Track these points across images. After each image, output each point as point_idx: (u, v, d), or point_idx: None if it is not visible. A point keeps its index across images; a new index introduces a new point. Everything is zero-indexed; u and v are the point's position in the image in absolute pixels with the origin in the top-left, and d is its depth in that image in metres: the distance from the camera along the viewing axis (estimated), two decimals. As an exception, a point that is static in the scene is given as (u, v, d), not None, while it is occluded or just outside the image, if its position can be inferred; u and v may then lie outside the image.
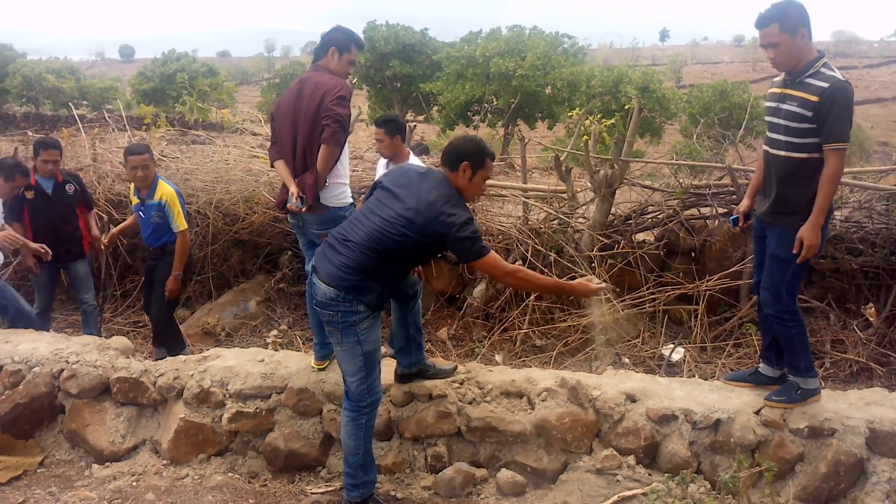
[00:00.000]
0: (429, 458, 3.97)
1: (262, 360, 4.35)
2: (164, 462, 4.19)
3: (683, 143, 28.46)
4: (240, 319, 6.49)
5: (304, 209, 3.88)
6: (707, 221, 6.09)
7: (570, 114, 6.43)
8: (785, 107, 3.45)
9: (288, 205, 3.91)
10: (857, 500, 3.51)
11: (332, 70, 4.01)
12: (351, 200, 4.14)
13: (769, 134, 3.60)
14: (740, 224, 3.94)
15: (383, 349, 4.21)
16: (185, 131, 8.14)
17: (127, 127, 7.69)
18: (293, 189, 3.89)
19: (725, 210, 5.97)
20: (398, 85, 30.13)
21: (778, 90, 3.55)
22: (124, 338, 4.79)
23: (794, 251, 3.43)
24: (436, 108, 30.13)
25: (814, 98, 3.31)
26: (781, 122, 3.48)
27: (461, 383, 4.09)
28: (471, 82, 25.55)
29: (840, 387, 5.08)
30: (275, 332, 6.45)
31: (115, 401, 4.39)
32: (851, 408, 3.70)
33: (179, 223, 5.03)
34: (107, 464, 4.20)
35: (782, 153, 3.49)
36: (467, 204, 3.44)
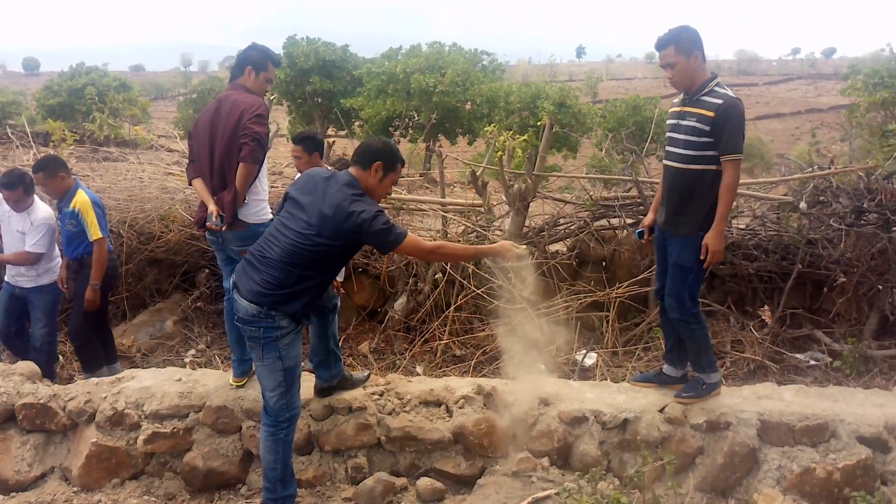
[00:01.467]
0: (349, 470, 4.02)
1: (180, 380, 4.31)
2: (75, 489, 4.09)
3: (598, 156, 29.47)
4: (156, 340, 6.36)
5: (223, 227, 3.89)
6: (616, 231, 6.37)
7: (486, 129, 6.61)
8: (685, 123, 3.72)
9: (207, 223, 3.93)
10: (751, 487, 3.77)
11: (249, 88, 4.05)
12: (270, 216, 4.17)
13: (669, 148, 3.87)
14: (645, 237, 4.17)
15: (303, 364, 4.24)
16: (97, 148, 7.92)
17: (32, 143, 7.42)
18: (212, 207, 3.91)
19: (633, 220, 6.27)
20: (319, 100, 29.98)
21: (678, 108, 3.83)
22: (31, 363, 4.63)
23: (702, 257, 3.67)
24: (357, 123, 30.13)
25: (710, 114, 3.60)
26: (681, 136, 3.75)
27: (381, 395, 4.17)
28: (392, 98, 25.70)
29: (739, 384, 5.40)
30: (193, 351, 6.35)
31: (21, 428, 4.26)
32: (745, 402, 3.97)
33: (93, 231, 4.86)
34: (12, 494, 4.06)
35: (682, 166, 3.76)
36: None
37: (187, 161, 4.36)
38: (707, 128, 3.62)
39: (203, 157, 4.04)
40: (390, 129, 26.72)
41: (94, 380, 4.40)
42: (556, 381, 4.38)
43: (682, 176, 3.77)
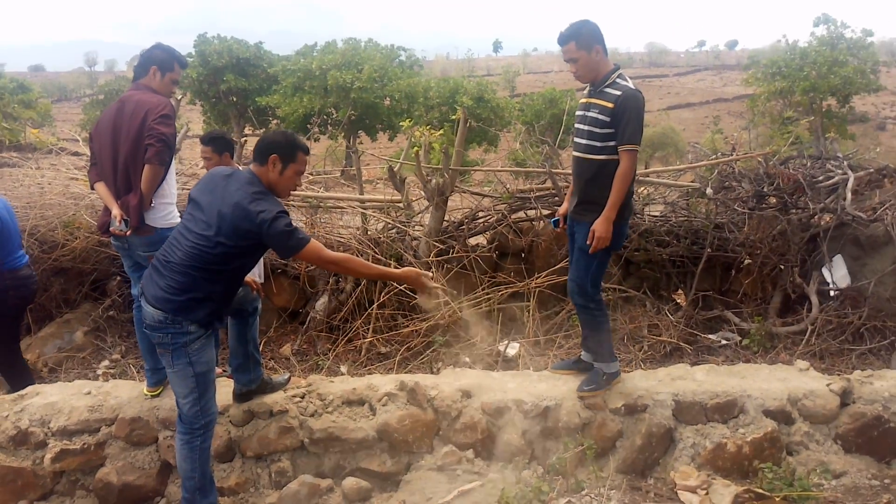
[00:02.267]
0: (273, 475, 3.95)
1: (89, 393, 4.13)
2: (-21, 514, 3.85)
3: (517, 150, 29.93)
4: (65, 353, 6.06)
5: (128, 232, 3.75)
6: (533, 223, 6.47)
7: (401, 124, 6.60)
8: (590, 114, 3.81)
9: (111, 228, 3.78)
10: (669, 466, 3.90)
11: (154, 89, 3.91)
12: (178, 220, 4.03)
13: (576, 139, 3.96)
14: (561, 225, 4.25)
15: (219, 370, 4.14)
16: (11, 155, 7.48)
17: (-81, 151, 6.94)
18: (115, 211, 3.77)
19: (549, 212, 6.37)
20: (234, 99, 29.34)
21: (584, 100, 3.93)
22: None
23: (588, 242, 3.76)
24: (274, 122, 29.58)
25: (609, 105, 3.71)
26: (586, 128, 3.84)
27: (302, 397, 4.10)
28: (309, 95, 25.40)
29: (656, 367, 5.59)
30: (106, 362, 6.08)
31: (-83, 453, 3.98)
32: (660, 384, 4.11)
33: None
34: None
35: (587, 156, 3.86)
36: (280, 200, 3.38)
37: (89, 164, 4.17)
38: (607, 119, 3.72)
39: (106, 160, 3.88)
40: (308, 126, 26.37)
41: (-6, 398, 4.16)
42: (478, 372, 4.42)
43: (587, 165, 3.87)
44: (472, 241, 6.51)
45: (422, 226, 6.47)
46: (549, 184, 6.50)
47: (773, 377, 4.16)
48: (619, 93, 3.71)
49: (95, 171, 4.01)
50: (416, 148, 6.04)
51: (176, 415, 3.86)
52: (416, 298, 6.03)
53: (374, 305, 6.00)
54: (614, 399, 3.99)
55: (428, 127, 6.45)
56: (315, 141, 27.65)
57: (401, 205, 6.47)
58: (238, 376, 4.00)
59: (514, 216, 6.41)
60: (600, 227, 3.74)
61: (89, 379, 5.72)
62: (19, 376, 4.82)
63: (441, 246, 6.16)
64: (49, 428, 3.92)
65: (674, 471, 3.80)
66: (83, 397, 4.08)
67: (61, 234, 6.14)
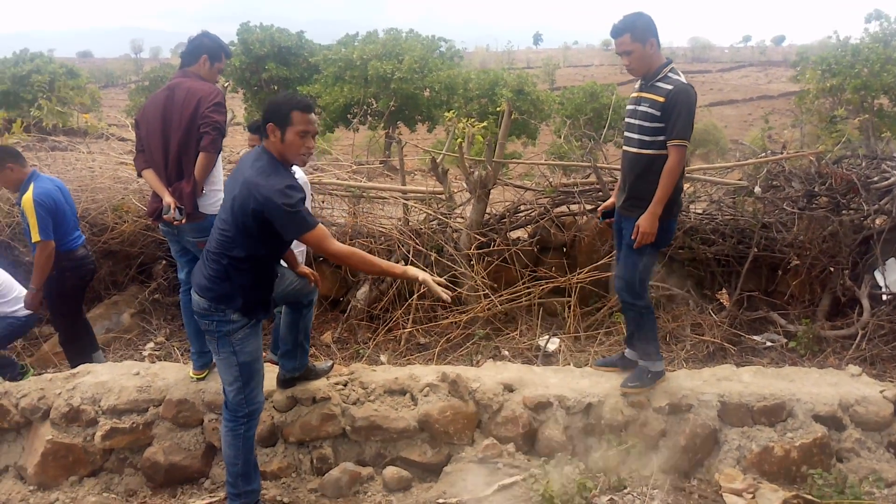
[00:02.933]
0: (315, 461, 3.98)
1: (138, 374, 4.21)
2: (31, 488, 3.97)
3: (557, 143, 29.71)
4: (112, 334, 6.20)
5: (183, 220, 3.79)
6: (576, 218, 6.42)
7: (446, 116, 6.59)
8: (640, 108, 3.77)
9: (165, 215, 3.80)
10: (713, 468, 3.85)
11: (202, 77, 3.95)
12: None
13: (626, 133, 3.92)
14: (606, 219, 4.21)
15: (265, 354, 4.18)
16: (45, 137, 7.64)
17: (-24, 133, 7.14)
18: (168, 199, 3.79)
19: (593, 206, 6.31)
20: (275, 88, 29.57)
21: (636, 94, 3.88)
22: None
23: (633, 237, 3.71)
24: (316, 110, 29.76)
25: (661, 99, 3.66)
26: (637, 122, 3.80)
27: (345, 385, 4.13)
28: (349, 85, 25.51)
29: (699, 366, 5.51)
30: (151, 344, 6.21)
31: (-28, 427, 4.12)
32: (705, 384, 4.05)
33: (33, 234, 4.50)
34: (-35, 495, 3.93)
35: (635, 150, 3.82)
36: (294, 167, 3.30)
37: (135, 150, 4.21)
38: (658, 113, 3.67)
39: (155, 147, 3.91)
40: (349, 116, 26.48)
41: (48, 376, 4.28)
42: (520, 366, 4.40)
43: (637, 160, 3.82)
44: (514, 234, 6.49)
45: (463, 218, 6.46)
46: (592, 178, 6.43)
47: (823, 381, 4.07)
48: (670, 87, 3.66)
49: (143, 157, 4.03)
50: (459, 140, 6.02)
51: (221, 399, 3.93)
52: (457, 290, 6.07)
53: (415, 296, 6.01)
54: (658, 398, 3.94)
55: (471, 119, 6.42)
56: (355, 131, 27.82)
57: (442, 196, 6.46)
58: (284, 362, 4.04)
59: (556, 210, 6.37)
60: (645, 222, 3.70)
61: (135, 360, 5.87)
62: (80, 353, 4.97)
63: (482, 239, 6.15)
64: (100, 406, 4.01)
65: (718, 473, 3.74)
66: (132, 377, 4.17)
67: (111, 218, 6.27)
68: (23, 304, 4.86)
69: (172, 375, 4.20)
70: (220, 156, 4.04)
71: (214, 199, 3.96)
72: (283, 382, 4.06)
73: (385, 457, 4.00)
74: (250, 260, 3.25)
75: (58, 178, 6.55)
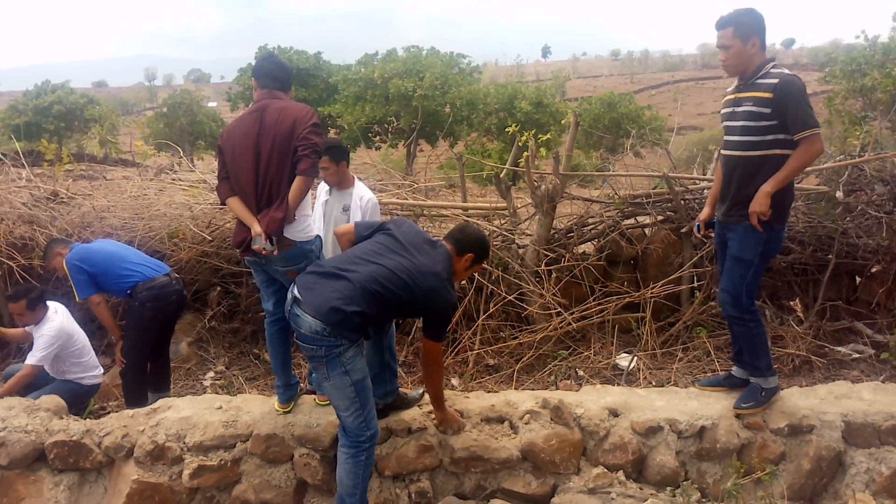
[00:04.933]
0: (413, 495, 3.78)
1: (220, 408, 4.04)
2: (117, 530, 3.79)
3: (577, 154, 29.56)
4: (172, 364, 6.03)
5: (275, 250, 3.58)
6: (645, 230, 6.21)
7: (507, 129, 6.40)
8: (741, 109, 3.56)
9: (254, 246, 3.56)
10: (840, 493, 3.61)
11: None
12: (317, 233, 3.89)
13: (726, 137, 3.71)
14: (702, 231, 4.01)
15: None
16: (91, 166, 7.55)
17: (25, 164, 7.03)
18: (258, 228, 3.54)
19: (663, 218, 6.11)
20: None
21: (732, 96, 3.68)
22: (56, 397, 4.32)
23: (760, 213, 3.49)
24: (333, 130, 29.81)
25: (768, 95, 3.43)
26: (738, 124, 3.58)
27: (439, 413, 3.93)
28: (371, 104, 25.50)
29: (786, 380, 5.27)
30: (211, 373, 6.04)
31: (53, 468, 3.96)
32: (824, 403, 3.81)
33: (75, 295, 4.69)
34: (49, 540, 3.75)
35: (741, 153, 3.60)
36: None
37: (218, 178, 4.00)
38: (767, 110, 3.44)
39: (245, 172, 3.64)
40: (370, 134, 26.50)
41: (129, 412, 4.10)
42: (622, 389, 4.18)
43: (745, 163, 3.59)
44: (580, 248, 6.28)
45: (528, 233, 6.27)
46: (661, 188, 6.23)
47: (949, 397, 3.82)
48: (775, 80, 3.43)
49: (227, 184, 3.78)
50: (525, 154, 5.84)
51: (312, 433, 3.78)
52: (526, 309, 5.87)
53: (482, 316, 5.82)
54: (776, 419, 3.72)
55: (533, 131, 6.24)
56: (377, 149, 27.79)
57: (506, 212, 6.28)
58: (374, 388, 3.84)
59: (625, 222, 6.16)
60: (757, 202, 3.46)
61: (196, 390, 5.71)
62: (133, 389, 4.84)
63: (550, 254, 5.95)
64: (185, 443, 3.83)
65: (851, 499, 3.49)
66: (216, 412, 3.99)
67: (167, 246, 6.13)
68: (92, 373, 5.08)
69: (257, 409, 4.02)
70: None
71: (304, 224, 3.74)
72: (376, 412, 3.86)
73: (486, 489, 3.79)
74: (383, 313, 3.39)
75: (113, 206, 6.48)
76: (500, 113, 28.19)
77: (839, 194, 5.68)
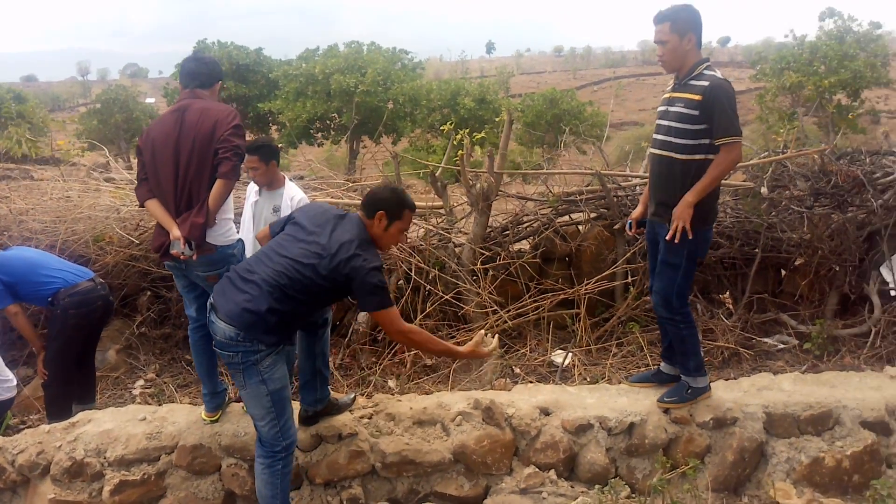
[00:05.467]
0: (345, 502, 3.73)
1: (145, 419, 3.90)
2: (34, 552, 3.63)
3: (519, 150, 29.81)
4: (99, 373, 5.81)
5: (194, 256, 3.47)
6: (579, 227, 6.27)
7: (443, 127, 6.39)
8: (673, 109, 3.58)
9: (173, 251, 3.45)
10: (762, 482, 3.70)
11: (206, 97, 3.66)
12: (238, 236, 3.79)
13: (655, 136, 3.71)
14: (633, 229, 4.04)
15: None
16: (19, 166, 7.22)
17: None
18: (177, 233, 3.44)
19: (596, 214, 6.18)
20: (234, 105, 29.05)
21: (668, 95, 3.69)
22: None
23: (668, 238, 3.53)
24: (274, 127, 29.33)
25: (696, 97, 3.46)
26: (669, 123, 3.60)
27: (370, 417, 3.90)
28: (312, 100, 25.18)
29: (715, 373, 5.40)
30: (141, 381, 5.84)
31: (-36, 488, 3.76)
32: (746, 395, 3.91)
33: None
34: (-40, 564, 3.57)
35: (664, 153, 3.62)
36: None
37: (136, 179, 3.86)
38: (696, 112, 3.46)
39: (165, 174, 3.53)
40: (311, 131, 26.17)
41: (45, 427, 3.93)
42: (553, 387, 4.21)
43: (669, 165, 3.61)
44: (516, 246, 6.30)
45: (464, 232, 6.26)
46: (594, 186, 6.30)
47: (865, 385, 3.97)
48: (706, 83, 3.46)
49: (146, 186, 3.66)
50: (459, 152, 5.83)
51: (240, 442, 3.69)
52: (462, 308, 5.86)
53: (419, 316, 5.79)
54: (702, 412, 3.79)
55: (468, 130, 6.23)
56: (318, 146, 27.43)
57: (442, 211, 6.26)
58: (304, 395, 3.78)
59: (559, 220, 6.21)
60: (680, 209, 3.49)
61: (125, 400, 5.52)
62: (57, 400, 4.65)
63: (486, 253, 5.95)
64: (105, 458, 3.70)
65: (772, 488, 3.59)
66: (139, 423, 3.86)
67: (92, 250, 5.91)
68: (5, 388, 4.67)
69: (183, 419, 3.90)
70: None
71: (225, 228, 3.65)
72: (306, 420, 3.80)
73: (418, 493, 3.77)
74: (306, 303, 3.19)
75: (32, 209, 6.21)
76: (444, 109, 28.21)
77: (764, 190, 5.84)
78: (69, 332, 4.51)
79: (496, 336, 3.53)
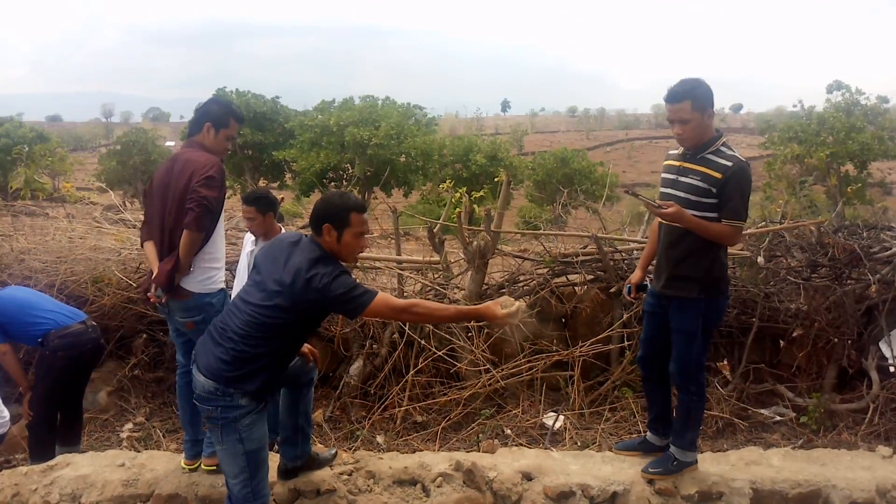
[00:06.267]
0: (319, 561, 3.65)
1: (123, 465, 3.88)
2: None
3: (529, 207, 30.02)
4: (88, 414, 5.79)
5: (163, 300, 3.54)
6: (576, 288, 6.27)
7: (442, 186, 6.47)
8: (685, 180, 3.53)
9: (148, 293, 3.57)
10: (748, 561, 3.60)
11: (206, 147, 3.73)
12: (221, 286, 3.81)
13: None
14: (633, 293, 4.02)
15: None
16: (13, 204, 7.35)
17: (-52, 201, 6.83)
18: (155, 276, 3.56)
19: (593, 276, 6.18)
20: (249, 153, 29.59)
21: (676, 163, 3.63)
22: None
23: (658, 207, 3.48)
24: (288, 175, 29.73)
25: (717, 175, 3.42)
26: (681, 194, 3.54)
27: (350, 474, 3.85)
28: (326, 150, 25.61)
29: (708, 443, 5.32)
30: (130, 425, 5.81)
31: (-63, 528, 3.72)
32: (734, 469, 3.84)
33: None
34: None
35: (679, 225, 3.54)
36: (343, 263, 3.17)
37: (143, 221, 4.01)
38: (713, 189, 3.43)
39: (155, 219, 3.71)
40: (324, 181, 26.52)
41: (23, 469, 3.91)
42: (537, 452, 4.15)
43: (681, 236, 3.56)
44: (512, 305, 6.29)
45: (460, 288, 6.27)
46: (591, 248, 6.32)
47: (856, 465, 3.89)
48: (729, 163, 3.41)
49: (147, 229, 3.84)
50: (457, 209, 5.89)
51: (217, 493, 3.64)
52: (455, 365, 5.82)
53: (412, 372, 5.76)
54: (686, 485, 3.72)
55: (465, 188, 6.31)
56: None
57: (439, 266, 6.29)
58: (284, 450, 3.75)
59: (556, 280, 6.21)
60: (676, 212, 3.41)
61: (112, 443, 5.48)
62: (41, 444, 4.62)
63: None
64: (80, 503, 3.65)
65: (756, 567, 3.49)
66: (117, 469, 3.82)
67: (90, 291, 5.96)
68: None
69: (162, 466, 3.87)
70: (218, 230, 3.80)
71: (205, 275, 3.70)
72: (285, 473, 3.75)
73: (395, 554, 3.68)
74: (284, 344, 3.11)
75: (34, 248, 6.28)
76: (456, 164, 28.59)
77: (760, 259, 5.84)
78: (56, 374, 4.52)
79: (519, 301, 3.23)
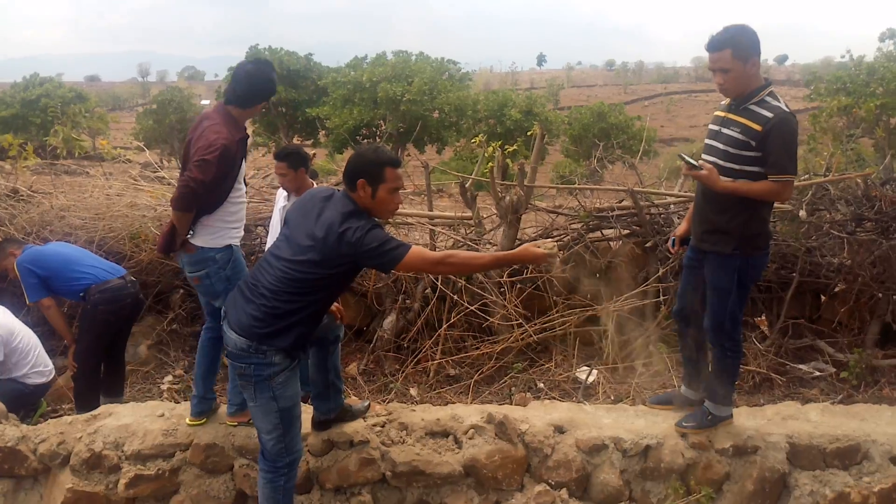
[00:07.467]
0: (353, 509, 3.72)
1: (163, 415, 3.96)
2: (51, 540, 3.71)
3: (565, 163, 29.62)
4: (129, 366, 5.94)
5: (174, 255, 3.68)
6: (611, 243, 6.18)
7: (473, 140, 6.38)
8: (726, 132, 3.40)
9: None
10: (783, 516, 3.57)
11: (233, 116, 3.59)
12: (227, 242, 3.70)
13: (705, 156, 3.51)
14: (677, 246, 3.93)
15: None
16: (53, 163, 7.45)
17: (-11, 160, 6.96)
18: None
19: (628, 231, 6.08)
20: (283, 110, 29.62)
21: (722, 114, 3.49)
22: (-6, 400, 4.25)
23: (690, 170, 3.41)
24: (322, 132, 29.73)
25: (757, 127, 3.27)
26: (720, 146, 3.42)
27: (383, 426, 3.88)
28: (359, 107, 25.49)
29: (744, 398, 5.25)
30: (169, 377, 5.96)
31: (-12, 473, 3.87)
32: (770, 423, 3.78)
33: (26, 299, 4.68)
34: (-20, 547, 3.67)
35: (713, 188, 3.41)
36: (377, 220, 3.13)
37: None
38: (752, 142, 3.27)
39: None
40: (357, 138, 26.46)
41: (68, 418, 4.02)
42: (569, 405, 4.14)
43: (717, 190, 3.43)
44: (546, 260, 6.24)
45: (492, 244, 6.23)
46: (627, 202, 6.20)
47: (896, 420, 3.80)
48: (769, 114, 3.24)
49: None
50: (490, 164, 5.81)
51: (253, 443, 3.70)
52: (488, 320, 5.82)
53: (444, 326, 5.77)
54: (721, 439, 3.68)
55: (500, 142, 6.21)
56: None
57: (471, 222, 6.24)
58: (318, 404, 3.79)
59: (590, 236, 6.13)
60: (711, 175, 3.32)
61: (153, 394, 5.63)
62: (85, 393, 4.76)
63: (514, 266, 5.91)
64: (123, 451, 3.76)
65: (792, 522, 3.46)
66: (157, 420, 3.92)
67: (128, 247, 6.06)
68: (39, 373, 4.88)
69: (200, 417, 3.94)
70: (235, 190, 3.68)
71: (213, 232, 3.64)
72: (319, 424, 3.80)
73: (427, 503, 3.73)
74: (316, 300, 3.08)
75: (73, 205, 6.39)
76: (490, 120, 28.24)
77: (802, 213, 5.67)
78: (98, 328, 4.64)
79: (556, 242, 3.18)
